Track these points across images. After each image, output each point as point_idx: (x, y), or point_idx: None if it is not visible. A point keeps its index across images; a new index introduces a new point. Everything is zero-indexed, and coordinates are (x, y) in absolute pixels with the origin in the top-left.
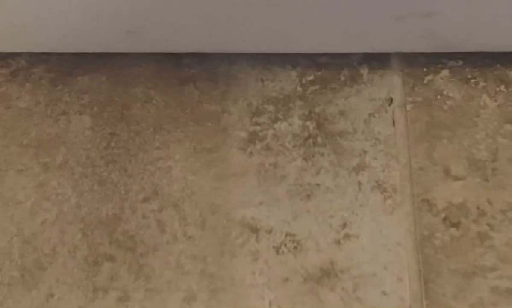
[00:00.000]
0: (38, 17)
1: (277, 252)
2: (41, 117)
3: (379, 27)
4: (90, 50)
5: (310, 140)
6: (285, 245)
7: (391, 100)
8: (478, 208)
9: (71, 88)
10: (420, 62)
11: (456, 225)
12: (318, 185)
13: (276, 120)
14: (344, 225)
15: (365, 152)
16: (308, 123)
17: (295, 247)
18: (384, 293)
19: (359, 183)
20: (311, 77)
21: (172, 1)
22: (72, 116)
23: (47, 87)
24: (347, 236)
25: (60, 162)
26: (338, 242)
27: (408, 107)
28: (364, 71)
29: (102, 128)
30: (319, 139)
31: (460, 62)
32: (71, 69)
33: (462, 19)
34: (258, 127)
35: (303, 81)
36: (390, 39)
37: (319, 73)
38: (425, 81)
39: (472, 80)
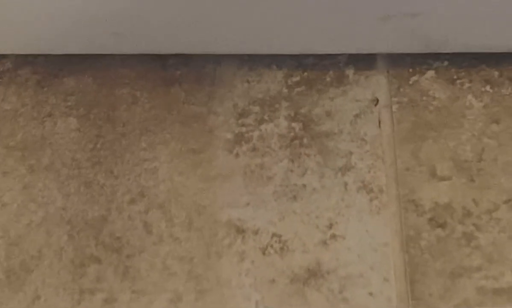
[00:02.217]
0: (24, 19)
1: (264, 253)
2: (27, 119)
3: (365, 28)
4: (76, 52)
5: (296, 141)
6: (272, 246)
7: (376, 101)
8: (464, 208)
9: (57, 90)
10: (406, 63)
11: (442, 225)
12: (304, 185)
13: (262, 121)
14: (331, 226)
15: (351, 153)
16: (294, 124)
17: (282, 248)
18: (370, 293)
19: (345, 184)
20: (297, 78)
21: (158, 3)
22: (58, 118)
23: (33, 89)
24: (333, 236)
25: (46, 164)
26: (324, 243)
27: (394, 108)
28: (350, 72)
29: (88, 130)
30: (305, 140)
31: (446, 63)
32: (57, 71)
33: (447, 19)
34: (244, 129)
35: (289, 82)
36: (376, 40)
37: (305, 74)
38: (410, 82)
39: (458, 81)
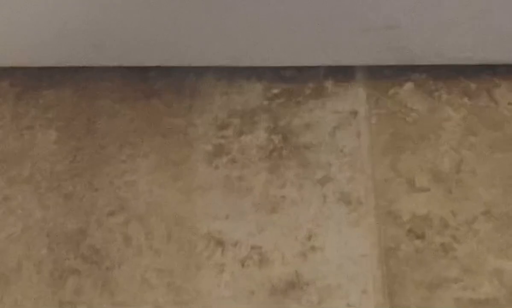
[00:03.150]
0: (3, 31)
1: (243, 264)
2: (7, 132)
3: (343, 40)
4: (56, 64)
5: (276, 153)
6: (251, 257)
7: (355, 113)
8: (442, 219)
9: (36, 102)
10: (385, 75)
11: (420, 237)
12: (283, 197)
13: (241, 133)
14: (310, 237)
15: (330, 164)
16: (273, 136)
17: (261, 260)
18: (349, 305)
19: (324, 195)
20: (277, 90)
21: (137, 15)
22: (38, 130)
23: (12, 102)
24: (312, 248)
25: (25, 176)
26: (303, 254)
27: (373, 119)
28: (329, 84)
29: (67, 142)
30: (284, 152)
31: (424, 75)
32: (36, 83)
33: (425, 32)
34: (223, 141)
35: (269, 94)
36: (355, 52)
37: (285, 86)
38: (389, 94)
39: (436, 93)
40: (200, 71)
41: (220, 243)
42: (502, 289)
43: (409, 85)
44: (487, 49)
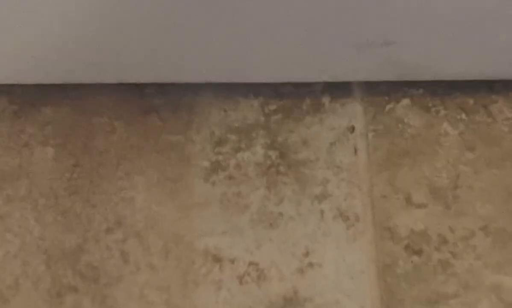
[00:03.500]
0: (1, 49)
1: (241, 281)
2: (4, 149)
3: (340, 56)
4: (53, 82)
5: (273, 169)
6: (249, 274)
7: (352, 129)
8: (439, 235)
9: (34, 119)
10: (381, 91)
11: (418, 253)
12: (281, 213)
13: (238, 149)
14: (307, 254)
15: (327, 181)
16: (270, 152)
17: (259, 276)
18: None
19: (322, 212)
20: (274, 107)
21: (134, 33)
22: (35, 147)
23: (10, 119)
24: (310, 264)
25: (23, 193)
26: (301, 271)
27: (370, 135)
28: (326, 100)
29: (65, 159)
30: (281, 169)
31: (421, 91)
32: (34, 100)
33: (421, 48)
34: (221, 157)
35: (266, 110)
36: (351, 68)
37: (282, 102)
38: (386, 110)
39: (433, 109)
40: (197, 88)
41: (217, 259)
42: (501, 304)
43: (406, 101)
44: (484, 64)
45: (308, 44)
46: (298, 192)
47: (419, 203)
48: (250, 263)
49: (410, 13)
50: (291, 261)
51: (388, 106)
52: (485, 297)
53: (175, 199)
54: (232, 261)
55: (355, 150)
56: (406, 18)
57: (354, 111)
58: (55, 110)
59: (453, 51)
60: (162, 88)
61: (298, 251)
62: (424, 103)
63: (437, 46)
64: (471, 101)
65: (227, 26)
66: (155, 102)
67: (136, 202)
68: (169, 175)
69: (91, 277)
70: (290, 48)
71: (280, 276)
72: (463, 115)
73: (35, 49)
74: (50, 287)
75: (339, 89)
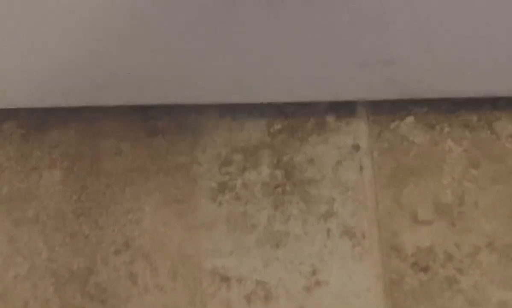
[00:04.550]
0: (7, 74)
1: (248, 300)
2: (12, 173)
3: (343, 76)
4: (59, 105)
5: (279, 189)
6: (256, 293)
7: (358, 147)
8: (445, 252)
9: (41, 143)
10: (386, 109)
11: (425, 269)
12: (287, 232)
13: (244, 169)
14: (314, 272)
15: (333, 199)
16: (276, 171)
17: (266, 295)
18: None
19: (328, 230)
20: (279, 126)
21: (138, 56)
22: (43, 170)
23: (17, 143)
24: (317, 283)
25: (31, 216)
26: (308, 289)
27: (375, 153)
28: (331, 119)
29: (72, 181)
30: (287, 188)
31: (425, 109)
32: (41, 124)
33: (424, 66)
34: (227, 177)
35: (271, 130)
36: (355, 87)
37: (287, 122)
38: (391, 128)
39: (437, 126)
40: (202, 109)
41: (225, 279)
42: None
43: (410, 119)
44: (487, 82)
45: (311, 65)
46: (304, 210)
47: (424, 220)
48: (258, 282)
49: (411, 33)
50: (298, 279)
51: (392, 124)
52: None
53: (182, 219)
54: (240, 281)
55: (361, 169)
56: (406, 38)
57: (358, 129)
58: (62, 133)
59: (454, 70)
60: (167, 109)
61: (305, 269)
62: (428, 121)
63: (439, 65)
64: (475, 118)
65: (232, 48)
66: (160, 124)
67: (144, 223)
68: (176, 196)
69: (99, 298)
70: (294, 68)
71: (288, 294)
72: (467, 133)
73: (41, 73)
74: None
75: (343, 108)
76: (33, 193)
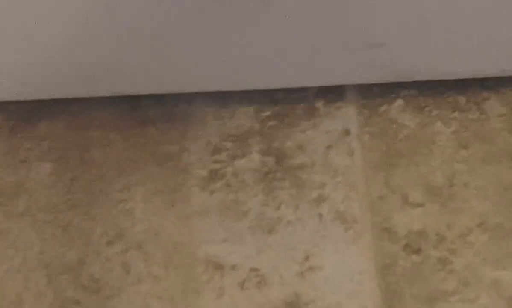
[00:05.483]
0: None
1: (242, 287)
2: (2, 166)
3: (331, 61)
4: (48, 97)
5: (270, 175)
6: (250, 280)
7: (347, 132)
8: (437, 233)
9: (30, 135)
10: (375, 93)
11: (417, 252)
12: (279, 218)
13: (235, 157)
14: (307, 257)
15: (324, 184)
16: (267, 158)
17: (259, 282)
18: None
19: (320, 215)
20: (268, 113)
21: (126, 46)
22: (33, 163)
23: (6, 136)
24: (310, 268)
25: (22, 209)
26: (301, 274)
27: (365, 137)
28: (320, 104)
29: (63, 173)
30: (278, 174)
31: (413, 91)
32: (29, 116)
33: (411, 49)
34: (218, 165)
35: (260, 117)
36: (343, 71)
37: (276, 108)
38: (380, 112)
39: (426, 108)
40: (191, 97)
41: (218, 266)
42: (500, 299)
43: (399, 102)
44: (475, 63)
45: (299, 50)
46: (295, 196)
47: (416, 202)
48: (251, 269)
49: (399, 15)
50: (291, 265)
51: (381, 108)
52: (484, 293)
53: (174, 208)
54: (233, 268)
55: (351, 153)
56: (394, 21)
57: (348, 114)
58: (51, 125)
59: (442, 52)
60: (156, 99)
61: (298, 255)
62: (417, 103)
63: (427, 47)
64: (463, 99)
65: (221, 36)
66: (150, 114)
67: (136, 213)
68: (167, 185)
69: (93, 289)
70: (282, 54)
71: (281, 280)
72: (456, 114)
73: (28, 65)
74: (53, 301)
75: (332, 93)
76: (23, 186)
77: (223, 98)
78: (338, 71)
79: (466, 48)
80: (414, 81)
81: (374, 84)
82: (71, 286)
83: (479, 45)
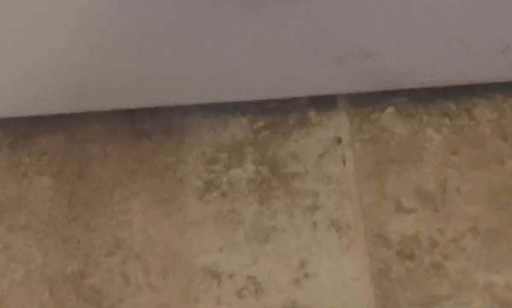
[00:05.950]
0: None
1: (239, 295)
2: (3, 181)
3: (321, 71)
4: (46, 113)
5: (265, 184)
6: (247, 288)
7: (339, 140)
8: (430, 238)
9: (30, 150)
10: (366, 101)
11: (411, 257)
12: (274, 227)
13: (230, 167)
14: (303, 265)
15: (318, 192)
16: (261, 168)
17: (256, 290)
18: None
19: (314, 223)
20: (261, 123)
21: (122, 60)
22: (33, 177)
23: (6, 151)
24: (306, 275)
25: (23, 223)
26: (297, 282)
27: (357, 145)
28: (312, 113)
29: (62, 187)
30: (273, 183)
31: (404, 99)
32: (28, 131)
33: (401, 59)
34: (213, 175)
35: (254, 127)
36: (334, 81)
37: (269, 118)
38: (371, 119)
39: (417, 115)
40: (186, 109)
41: (216, 275)
42: (494, 303)
43: (390, 110)
44: (464, 70)
45: (290, 62)
46: (290, 205)
47: (408, 208)
48: (248, 277)
49: (387, 26)
50: (287, 272)
51: (373, 116)
52: (478, 297)
53: (171, 219)
54: (230, 277)
55: (343, 161)
56: (383, 30)
57: (340, 122)
58: (50, 140)
59: (431, 60)
60: (152, 112)
61: (294, 262)
62: (408, 110)
63: (416, 56)
64: (453, 106)
65: (213, 49)
66: (146, 126)
67: (134, 225)
68: (164, 196)
69: (94, 300)
70: (274, 66)
71: (278, 288)
72: (446, 120)
73: (26, 82)
74: None
75: (324, 102)
76: (25, 200)
77: (217, 110)
78: (330, 81)
79: (455, 55)
80: (405, 89)
81: (366, 93)
82: (73, 297)
83: (468, 53)
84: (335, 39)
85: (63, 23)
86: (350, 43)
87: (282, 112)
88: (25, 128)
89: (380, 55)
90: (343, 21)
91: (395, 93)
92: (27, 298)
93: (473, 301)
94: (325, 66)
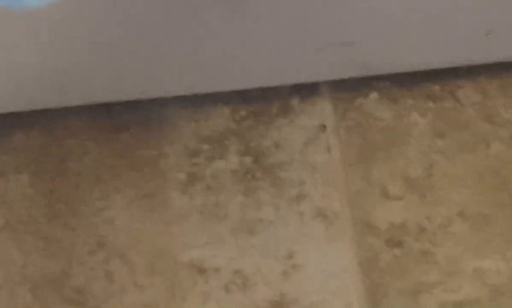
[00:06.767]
0: None
1: (227, 290)
2: None
3: (302, 59)
4: (22, 109)
5: (249, 176)
6: (234, 282)
7: (324, 127)
8: (418, 225)
9: (5, 147)
10: (349, 87)
11: (399, 245)
12: (260, 219)
13: (213, 159)
14: (290, 256)
15: (303, 182)
16: (245, 158)
17: (244, 283)
18: None
19: (301, 213)
20: (244, 113)
21: (98, 54)
22: (10, 175)
23: None
24: (293, 266)
25: (2, 223)
26: (285, 274)
27: (341, 132)
28: (295, 101)
29: (41, 185)
30: (257, 174)
31: (388, 83)
32: (4, 129)
33: (382, 45)
34: (196, 168)
35: (236, 117)
36: (317, 69)
37: (251, 108)
38: (355, 105)
39: (401, 100)
40: (165, 102)
41: (202, 270)
42: (484, 288)
43: (374, 95)
44: (447, 52)
45: (271, 51)
46: (275, 195)
47: (395, 195)
48: (235, 271)
49: (368, 14)
50: (275, 265)
51: (356, 102)
52: (468, 282)
53: (155, 214)
54: (217, 271)
55: (328, 149)
56: (362, 17)
57: (323, 109)
58: (26, 137)
59: (413, 43)
60: (130, 105)
61: (281, 254)
62: (392, 95)
63: (396, 40)
64: (437, 89)
65: (191, 39)
66: (125, 120)
67: (116, 222)
68: (146, 191)
69: (78, 301)
70: (254, 55)
71: (265, 281)
72: (431, 103)
73: (1, 79)
74: None
75: (307, 89)
76: (2, 199)
77: (198, 100)
78: (311, 69)
79: (437, 38)
80: (388, 74)
81: (349, 78)
82: (57, 299)
83: (450, 34)
84: (316, 29)
85: (40, 20)
86: (330, 32)
87: (265, 101)
88: (1, 126)
89: (360, 43)
90: (323, 11)
91: (379, 77)
92: (9, 301)
93: (463, 286)
94: (304, 55)
